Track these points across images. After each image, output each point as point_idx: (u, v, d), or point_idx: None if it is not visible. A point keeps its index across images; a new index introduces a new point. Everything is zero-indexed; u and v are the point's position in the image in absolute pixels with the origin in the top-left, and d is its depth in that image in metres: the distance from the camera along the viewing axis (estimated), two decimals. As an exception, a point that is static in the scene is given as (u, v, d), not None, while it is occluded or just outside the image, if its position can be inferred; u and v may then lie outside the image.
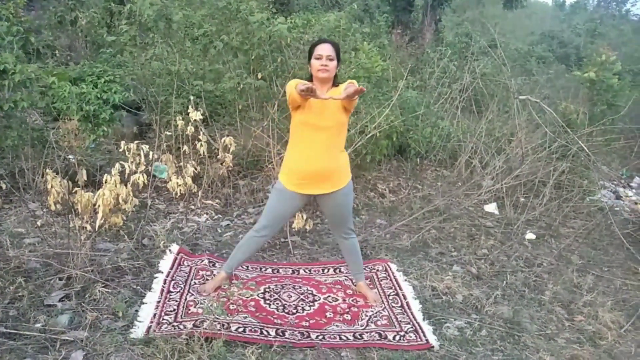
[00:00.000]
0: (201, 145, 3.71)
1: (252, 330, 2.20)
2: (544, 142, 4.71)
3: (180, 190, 3.64)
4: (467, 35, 9.79)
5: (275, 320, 2.33)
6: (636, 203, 5.30)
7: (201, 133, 3.73)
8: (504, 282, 3.04)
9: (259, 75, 4.09)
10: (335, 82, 2.40)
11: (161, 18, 3.83)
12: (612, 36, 19.50)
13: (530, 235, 3.86)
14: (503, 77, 5.62)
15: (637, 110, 7.13)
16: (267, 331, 2.22)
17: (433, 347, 2.26)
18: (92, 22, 6.83)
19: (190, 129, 3.69)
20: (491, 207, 4.34)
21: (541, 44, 17.68)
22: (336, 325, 2.37)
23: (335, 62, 2.32)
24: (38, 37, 6.46)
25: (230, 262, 2.57)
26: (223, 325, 2.16)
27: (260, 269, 2.89)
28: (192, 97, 3.85)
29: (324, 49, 2.30)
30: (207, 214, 3.60)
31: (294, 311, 2.44)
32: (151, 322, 2.16)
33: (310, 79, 2.39)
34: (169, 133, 3.82)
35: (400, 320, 2.46)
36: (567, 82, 8.65)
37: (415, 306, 2.59)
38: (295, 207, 2.55)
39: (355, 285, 2.73)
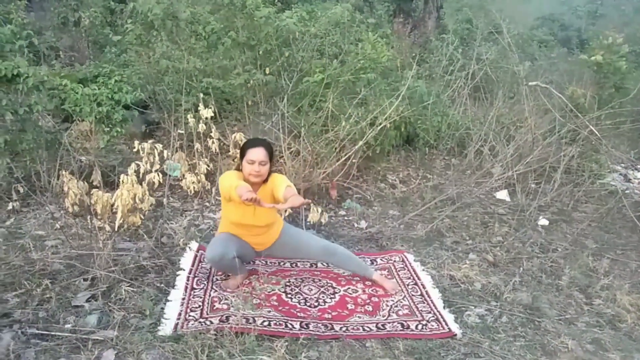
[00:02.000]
0: (213, 142, 3.73)
1: (277, 324, 2.23)
2: (553, 127, 4.71)
3: (194, 187, 3.66)
4: (468, 21, 9.72)
5: (299, 314, 2.36)
6: (646, 185, 5.30)
7: (213, 130, 3.75)
8: (521, 268, 3.06)
9: (267, 70, 4.10)
10: (266, 178, 2.46)
11: (168, 16, 3.82)
12: (613, 17, 19.31)
13: (543, 221, 3.88)
14: (509, 63, 5.60)
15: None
16: (291, 324, 2.25)
17: (456, 335, 2.29)
18: (94, 21, 6.81)
19: (201, 127, 3.71)
20: (503, 194, 4.36)
21: (542, 27, 17.54)
22: (358, 317, 2.40)
23: (267, 166, 2.40)
24: (40, 39, 6.46)
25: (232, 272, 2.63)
26: (248, 320, 2.20)
27: (279, 263, 2.92)
28: (201, 95, 3.86)
29: (257, 154, 2.36)
30: (221, 210, 3.62)
31: (316, 304, 2.47)
32: (178, 319, 2.20)
33: (239, 168, 2.47)
34: (181, 131, 3.83)
35: (422, 310, 2.49)
36: (571, 66, 8.60)
37: (435, 295, 2.62)
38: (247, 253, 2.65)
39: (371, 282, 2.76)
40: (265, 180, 2.46)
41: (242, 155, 2.41)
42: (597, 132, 3.98)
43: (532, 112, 4.92)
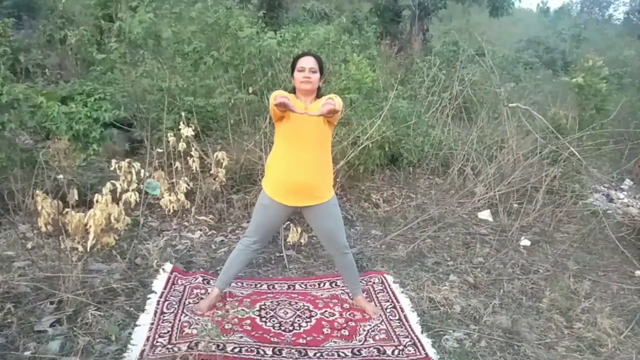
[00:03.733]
0: (193, 161, 3.69)
1: (248, 350, 2.16)
2: (535, 148, 4.74)
3: (173, 207, 3.60)
4: (455, 43, 9.90)
5: (272, 339, 2.29)
6: (628, 206, 5.33)
7: (193, 149, 3.71)
8: (501, 290, 3.03)
9: (250, 90, 4.09)
10: (319, 94, 2.41)
11: (150, 35, 3.82)
12: (596, 40, 19.83)
13: (525, 242, 3.86)
14: (492, 85, 5.67)
15: (626, 113, 7.22)
16: (263, 350, 2.18)
17: (432, 360, 2.23)
18: (82, 40, 6.81)
19: (182, 145, 3.68)
20: (485, 215, 4.35)
21: (528, 50, 17.94)
22: (334, 342, 2.33)
23: (318, 75, 2.34)
24: (27, 56, 6.44)
25: (223, 278, 2.55)
26: (218, 346, 2.12)
27: (255, 285, 2.85)
28: (183, 113, 3.83)
29: (307, 62, 2.32)
30: (200, 230, 3.56)
31: (291, 328, 2.41)
32: (145, 345, 2.12)
33: (293, 91, 2.41)
34: (161, 150, 3.79)
35: (399, 334, 2.43)
36: (555, 87, 8.76)
37: (413, 319, 2.57)
38: (282, 218, 2.54)
39: (353, 300, 2.71)
40: (320, 97, 2.37)
41: (293, 68, 2.36)
42: (577, 153, 4.01)
43: (514, 133, 4.96)
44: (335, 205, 2.50)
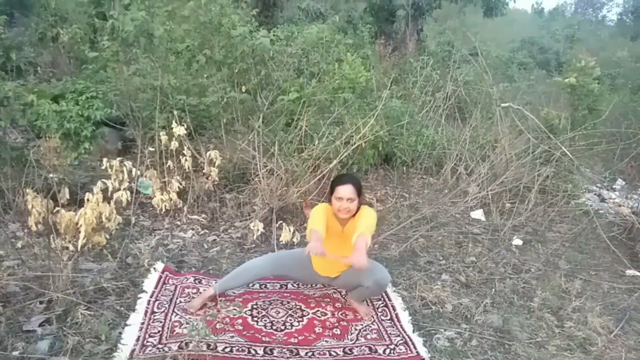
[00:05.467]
0: (186, 160, 3.67)
1: (240, 350, 2.15)
2: (528, 148, 4.77)
3: (165, 206, 3.59)
4: (449, 43, 9.94)
5: (263, 338, 2.28)
6: (620, 205, 5.37)
7: (185, 148, 3.69)
8: (493, 289, 3.04)
9: (243, 88, 4.08)
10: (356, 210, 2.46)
11: (142, 33, 3.80)
12: (590, 41, 19.97)
13: (517, 241, 3.88)
14: (485, 85, 5.69)
15: (618, 113, 7.28)
16: (254, 350, 2.17)
17: (423, 359, 2.23)
18: (75, 38, 6.76)
19: (174, 144, 3.66)
20: (478, 214, 4.36)
21: (522, 50, 18.04)
22: (325, 341, 2.33)
23: (356, 202, 2.40)
24: (19, 54, 6.38)
25: (223, 285, 2.55)
26: (209, 345, 2.12)
27: (248, 284, 2.84)
28: (175, 112, 3.82)
29: (345, 191, 2.38)
30: (193, 229, 3.55)
31: (283, 328, 2.40)
32: (135, 344, 2.11)
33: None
34: (153, 149, 3.77)
35: (390, 333, 2.43)
36: (548, 88, 8.81)
37: (405, 318, 2.57)
38: (308, 275, 2.65)
39: (346, 300, 2.71)
40: (355, 214, 2.45)
41: (332, 191, 2.45)
42: (569, 153, 4.03)
43: (506, 132, 4.98)
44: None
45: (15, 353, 1.98)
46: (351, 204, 2.38)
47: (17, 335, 2.10)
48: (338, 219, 2.47)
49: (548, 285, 3.13)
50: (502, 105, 4.75)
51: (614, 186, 6.28)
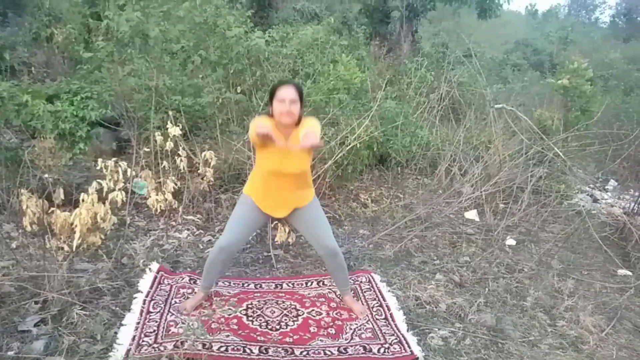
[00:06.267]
0: (181, 160, 3.67)
1: (235, 349, 2.17)
2: (521, 148, 4.81)
3: (160, 206, 3.59)
4: (444, 45, 9.99)
5: (259, 338, 2.30)
6: (612, 206, 5.43)
7: (181, 148, 3.70)
8: (486, 289, 3.06)
9: (239, 89, 4.09)
10: (298, 121, 2.31)
11: (137, 34, 3.80)
12: (583, 43, 20.12)
13: (510, 241, 3.91)
14: (479, 86, 5.74)
15: (610, 114, 7.36)
16: (250, 349, 2.18)
17: (417, 358, 2.25)
18: (69, 38, 6.74)
19: (169, 144, 3.66)
20: (472, 214, 4.39)
21: (516, 51, 18.15)
22: (320, 340, 2.35)
23: (298, 105, 2.25)
24: (13, 54, 6.35)
25: (205, 282, 2.52)
26: (205, 345, 2.13)
27: (243, 284, 2.85)
28: (170, 112, 3.82)
29: (287, 92, 2.22)
30: (188, 229, 3.55)
31: (278, 327, 2.42)
32: (130, 344, 2.11)
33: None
34: (148, 149, 3.77)
35: (385, 332, 2.45)
36: (542, 89, 8.89)
37: (399, 317, 2.59)
38: (261, 222, 2.55)
39: (340, 299, 2.72)
40: (298, 124, 2.29)
41: (272, 97, 2.27)
42: (561, 154, 4.07)
43: (500, 133, 5.02)
44: (318, 207, 2.50)
45: (11, 353, 1.98)
46: (294, 107, 2.21)
47: (12, 336, 2.10)
48: (280, 129, 2.26)
49: (541, 285, 3.17)
50: (496, 106, 4.79)
51: (606, 187, 6.34)
